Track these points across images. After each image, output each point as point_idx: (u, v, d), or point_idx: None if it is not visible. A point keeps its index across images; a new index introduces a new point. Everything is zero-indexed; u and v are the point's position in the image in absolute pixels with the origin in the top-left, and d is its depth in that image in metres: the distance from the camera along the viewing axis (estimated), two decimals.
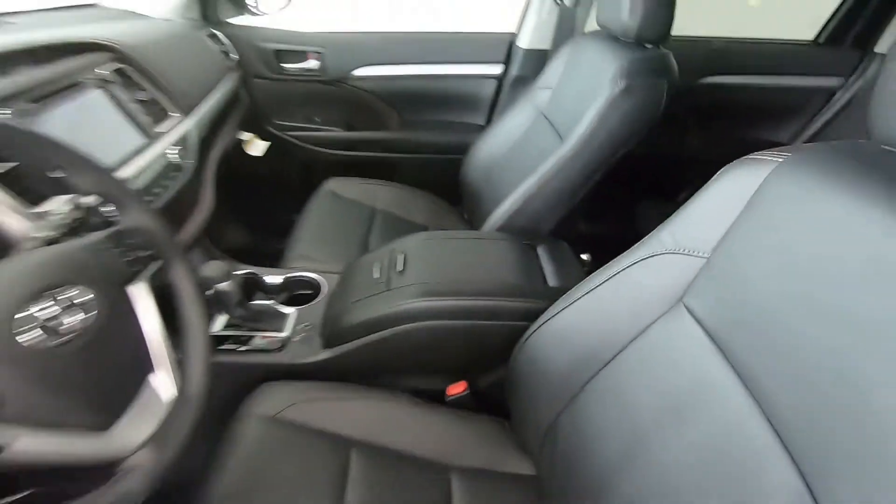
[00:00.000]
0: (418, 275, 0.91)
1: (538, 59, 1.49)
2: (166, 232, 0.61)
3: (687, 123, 1.66)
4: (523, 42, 1.53)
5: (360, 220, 1.34)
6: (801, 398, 0.45)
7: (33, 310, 0.43)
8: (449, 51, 1.58)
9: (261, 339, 0.91)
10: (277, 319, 0.95)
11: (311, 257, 1.18)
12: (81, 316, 0.46)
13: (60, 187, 0.56)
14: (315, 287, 1.05)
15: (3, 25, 0.92)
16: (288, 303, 1.00)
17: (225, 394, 0.80)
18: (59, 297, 0.45)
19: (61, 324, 0.44)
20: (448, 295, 0.87)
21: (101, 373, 0.48)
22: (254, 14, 1.48)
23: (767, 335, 0.49)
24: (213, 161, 1.23)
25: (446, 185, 1.51)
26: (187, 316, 0.60)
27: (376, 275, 0.94)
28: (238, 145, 1.42)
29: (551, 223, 1.14)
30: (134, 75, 0.99)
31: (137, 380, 0.52)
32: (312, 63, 1.53)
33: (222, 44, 1.41)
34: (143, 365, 0.53)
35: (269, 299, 1.00)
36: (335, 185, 1.46)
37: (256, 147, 1.46)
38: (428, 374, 0.96)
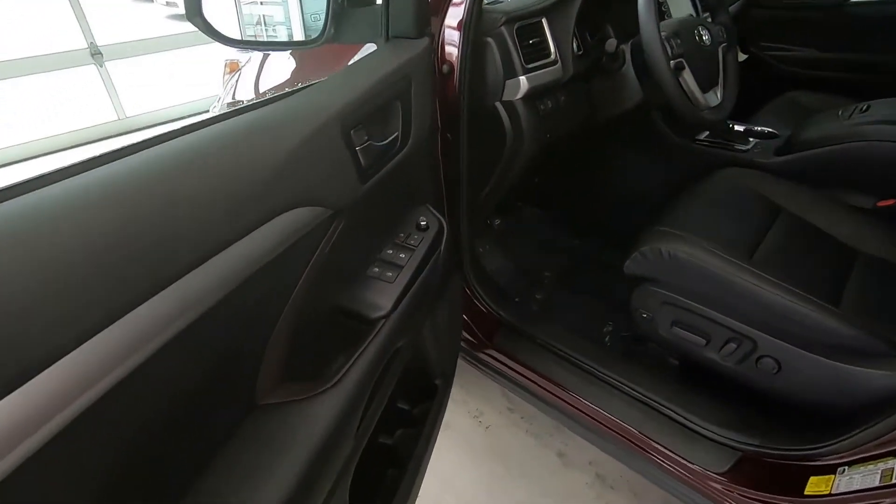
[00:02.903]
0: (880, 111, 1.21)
1: None
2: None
3: None
4: None
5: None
6: None
7: None
8: None
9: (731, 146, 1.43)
10: (744, 141, 1.45)
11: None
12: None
13: None
14: (767, 135, 1.47)
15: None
16: None
17: (706, 167, 1.31)
18: None
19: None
20: None
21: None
22: None
23: None
24: None
25: None
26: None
27: (839, 113, 1.29)
28: None
29: None
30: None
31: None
32: None
33: None
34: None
35: None
36: (794, 95, 1.76)
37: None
38: (859, 189, 1.24)
